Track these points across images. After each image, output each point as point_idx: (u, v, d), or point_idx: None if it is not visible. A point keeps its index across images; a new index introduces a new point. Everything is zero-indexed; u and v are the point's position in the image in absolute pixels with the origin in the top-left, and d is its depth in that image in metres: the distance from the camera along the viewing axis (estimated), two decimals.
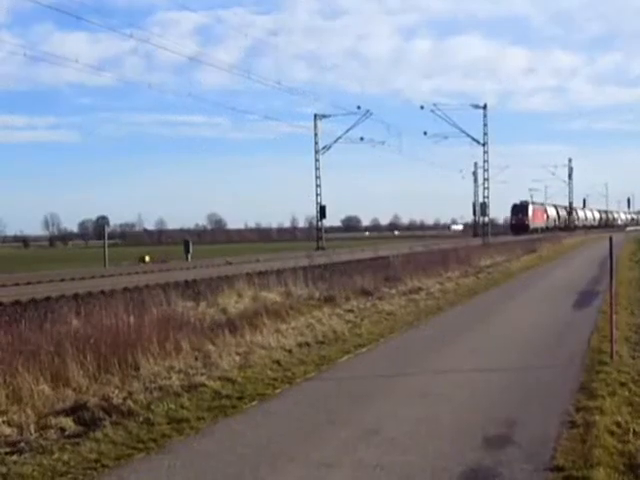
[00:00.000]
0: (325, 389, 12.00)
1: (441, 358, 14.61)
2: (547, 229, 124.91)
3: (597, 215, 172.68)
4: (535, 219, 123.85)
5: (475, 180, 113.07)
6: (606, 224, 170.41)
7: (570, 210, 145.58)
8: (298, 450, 8.61)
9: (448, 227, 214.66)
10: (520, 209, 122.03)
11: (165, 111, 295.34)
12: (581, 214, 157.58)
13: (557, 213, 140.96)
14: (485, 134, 72.09)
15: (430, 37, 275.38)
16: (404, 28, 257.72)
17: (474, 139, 71.86)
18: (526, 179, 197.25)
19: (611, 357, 13.54)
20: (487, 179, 75.17)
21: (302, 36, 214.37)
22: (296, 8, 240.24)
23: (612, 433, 8.93)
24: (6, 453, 8.51)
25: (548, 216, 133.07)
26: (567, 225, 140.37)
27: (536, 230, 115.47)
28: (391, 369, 13.56)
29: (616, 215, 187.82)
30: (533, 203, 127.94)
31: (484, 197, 78.81)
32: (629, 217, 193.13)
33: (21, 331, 13.38)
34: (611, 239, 14.63)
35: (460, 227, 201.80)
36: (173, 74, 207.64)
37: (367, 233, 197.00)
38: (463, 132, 70.84)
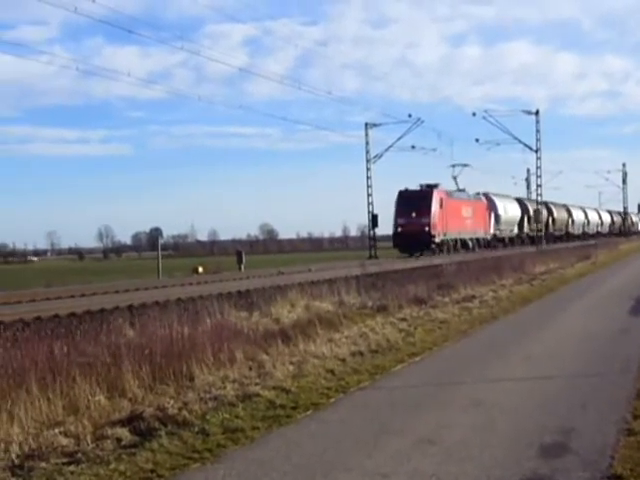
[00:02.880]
0: (379, 398, 11.98)
1: (495, 366, 14.51)
2: (497, 240, 74.19)
3: (607, 218, 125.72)
4: (446, 222, 60.01)
5: (528, 187, 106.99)
6: (620, 231, 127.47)
7: (549, 208, 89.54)
8: (353, 459, 8.59)
9: None
10: (413, 202, 58.46)
11: (216, 123, 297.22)
12: (579, 216, 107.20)
13: (524, 212, 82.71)
14: (537, 140, 71.37)
15: (479, 44, 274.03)
16: (453, 35, 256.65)
17: (526, 145, 71.16)
18: (580, 185, 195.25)
19: None
20: (540, 185, 74.18)
21: (351, 45, 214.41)
22: (344, 18, 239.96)
23: None
24: (63, 464, 8.58)
25: (498, 216, 73.89)
26: (547, 231, 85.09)
27: (451, 245, 61.73)
28: (445, 378, 13.51)
29: (635, 218, 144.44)
30: (450, 193, 64.52)
31: (537, 204, 78.13)
32: None
33: (77, 342, 13.52)
34: None
35: None
36: (223, 86, 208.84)
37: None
38: (515, 139, 69.85)
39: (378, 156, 66.86)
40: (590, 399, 11.37)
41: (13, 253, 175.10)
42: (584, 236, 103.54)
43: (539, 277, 37.09)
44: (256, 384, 12.31)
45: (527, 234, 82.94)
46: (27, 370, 11.02)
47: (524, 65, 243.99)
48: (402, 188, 60.41)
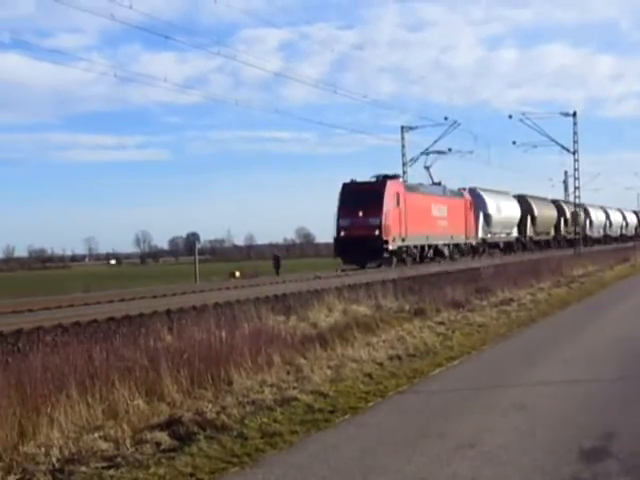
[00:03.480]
0: (417, 402, 11.94)
1: (535, 370, 14.41)
2: (489, 245, 61.93)
3: (633, 219, 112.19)
4: (406, 224, 46.14)
5: (565, 189, 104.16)
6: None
7: (560, 207, 79.07)
8: (391, 463, 8.55)
9: None
10: (360, 198, 44.63)
11: (252, 127, 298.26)
12: (598, 217, 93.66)
13: (526, 212, 71.15)
14: (575, 142, 70.86)
15: (515, 47, 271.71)
16: (489, 38, 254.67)
17: (564, 147, 70.66)
18: (619, 187, 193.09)
19: None
20: (578, 187, 73.59)
21: (387, 49, 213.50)
22: (380, 21, 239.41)
23: None
24: (103, 468, 8.61)
25: (488, 216, 61.03)
26: (557, 234, 77.74)
27: (415, 253, 47.89)
28: (484, 382, 13.43)
29: None
30: (412, 187, 51.23)
31: (575, 206, 77.53)
32: None
33: (116, 347, 13.58)
34: None
35: None
36: (259, 90, 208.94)
37: None
38: (553, 141, 69.34)
39: (414, 159, 66.53)
40: (630, 403, 11.27)
41: (51, 258, 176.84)
42: (605, 239, 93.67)
43: (577, 280, 36.85)
44: (294, 388, 12.30)
45: (531, 238, 72.67)
46: (67, 375, 11.08)
47: (561, 67, 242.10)
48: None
